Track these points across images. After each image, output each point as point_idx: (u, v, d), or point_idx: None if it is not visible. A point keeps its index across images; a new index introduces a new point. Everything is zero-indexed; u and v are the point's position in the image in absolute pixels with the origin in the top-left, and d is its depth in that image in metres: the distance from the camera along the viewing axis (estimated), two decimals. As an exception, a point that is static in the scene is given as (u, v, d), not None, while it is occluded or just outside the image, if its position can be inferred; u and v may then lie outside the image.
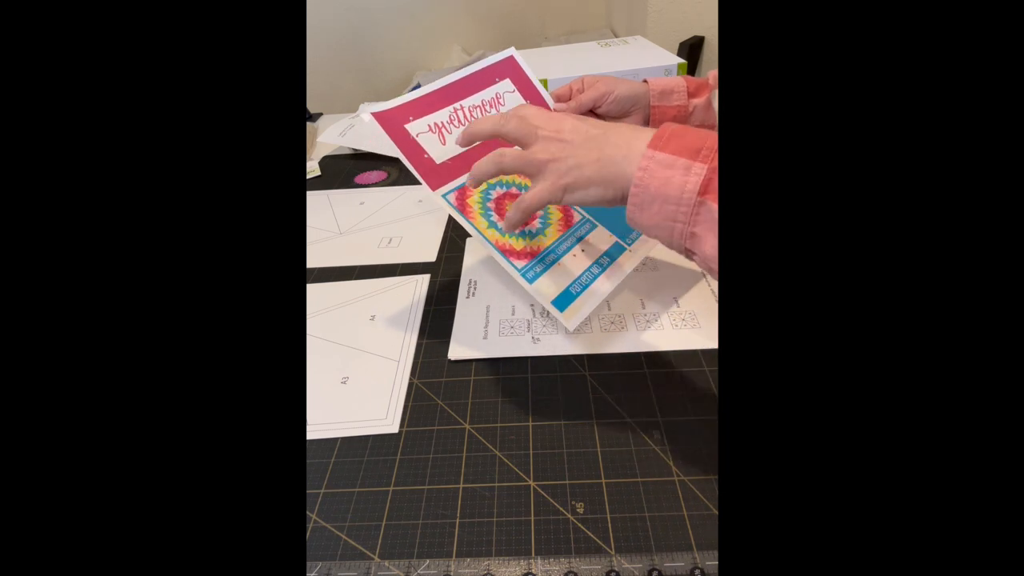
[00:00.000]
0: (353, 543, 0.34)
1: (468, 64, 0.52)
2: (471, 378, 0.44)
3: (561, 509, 0.34)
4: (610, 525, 0.33)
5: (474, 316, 0.50)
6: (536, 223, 0.46)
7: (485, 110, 0.50)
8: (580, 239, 0.45)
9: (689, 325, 0.47)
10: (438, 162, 0.46)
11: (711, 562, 0.31)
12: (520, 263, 0.43)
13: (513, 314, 0.50)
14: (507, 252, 0.44)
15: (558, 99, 0.55)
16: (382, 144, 0.84)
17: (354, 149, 0.87)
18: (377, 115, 0.45)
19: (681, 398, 0.41)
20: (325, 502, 0.36)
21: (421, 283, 0.56)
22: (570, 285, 0.43)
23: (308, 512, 0.36)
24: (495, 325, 0.49)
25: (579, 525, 0.33)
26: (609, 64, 0.83)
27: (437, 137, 0.47)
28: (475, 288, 0.54)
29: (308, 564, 0.33)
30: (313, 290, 0.56)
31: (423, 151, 0.45)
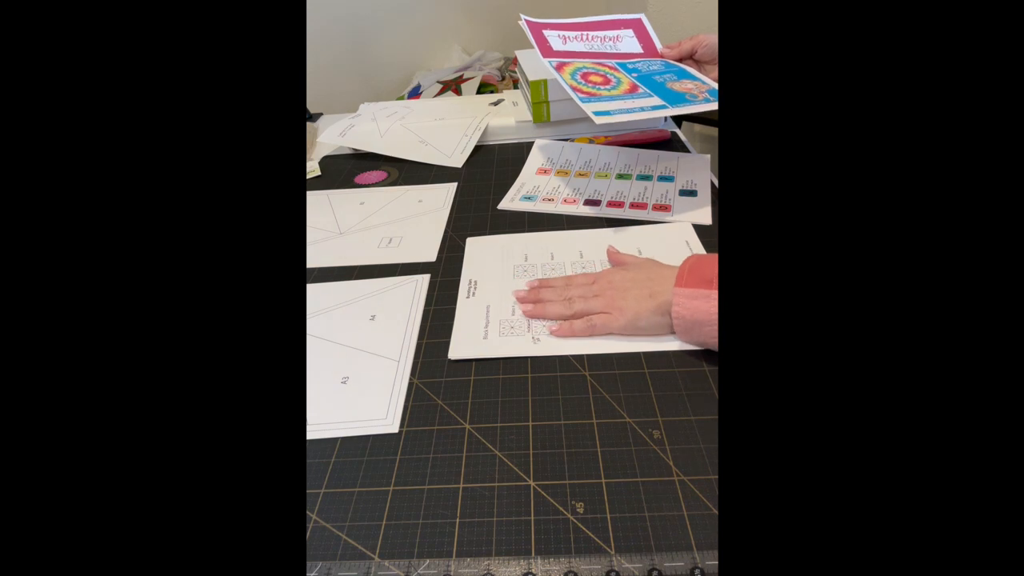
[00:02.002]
0: (353, 543, 0.34)
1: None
2: (471, 378, 0.44)
3: (561, 509, 0.34)
4: (610, 525, 0.33)
5: (474, 316, 0.50)
6: (610, 85, 0.62)
7: (603, 40, 0.71)
8: (634, 98, 0.61)
9: (689, 325, 0.47)
10: (554, 49, 0.68)
11: (711, 562, 0.31)
12: (582, 95, 0.60)
13: (513, 314, 0.50)
14: (577, 90, 0.60)
15: (667, 47, 0.71)
16: (382, 144, 0.85)
17: (354, 149, 0.87)
18: (528, 21, 0.68)
19: (681, 398, 0.41)
20: (325, 502, 0.36)
21: (421, 283, 0.56)
22: (611, 110, 0.58)
23: (308, 512, 0.36)
24: (495, 325, 0.49)
25: (579, 525, 0.33)
26: (609, 64, 0.84)
27: (560, 40, 0.69)
28: (475, 288, 0.54)
29: (308, 564, 0.33)
30: (313, 290, 0.56)
31: (547, 42, 0.68)
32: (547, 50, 0.66)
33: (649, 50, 0.72)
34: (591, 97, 0.59)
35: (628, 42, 0.72)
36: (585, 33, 0.70)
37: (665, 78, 0.65)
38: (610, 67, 0.66)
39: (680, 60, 0.70)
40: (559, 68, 0.63)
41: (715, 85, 0.64)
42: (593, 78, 0.63)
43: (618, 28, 0.72)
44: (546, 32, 0.68)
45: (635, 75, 0.65)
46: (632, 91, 0.61)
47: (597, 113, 0.56)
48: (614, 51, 0.70)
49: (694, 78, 0.65)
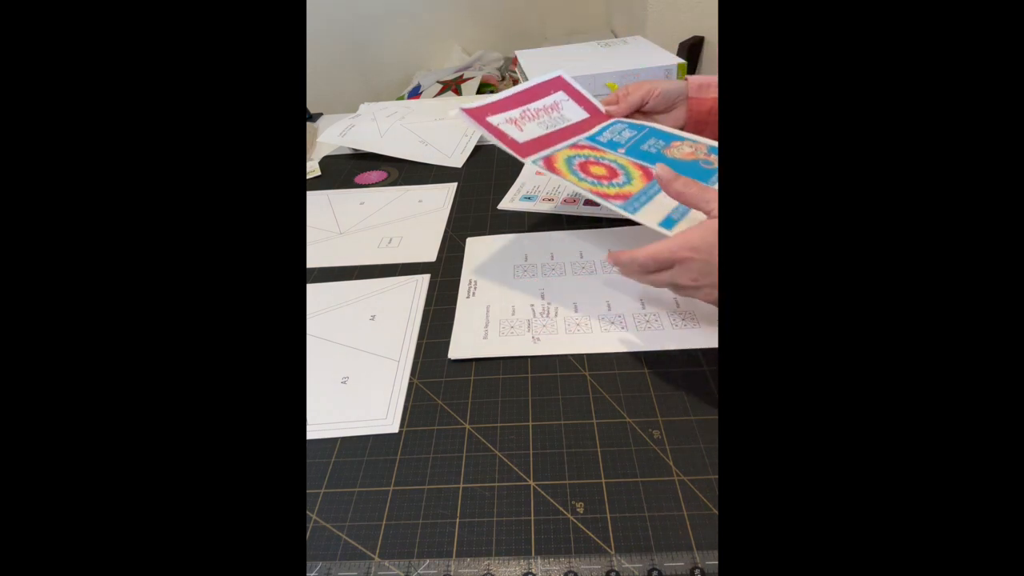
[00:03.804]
0: (353, 543, 0.34)
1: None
2: (471, 378, 0.44)
3: (561, 509, 0.34)
4: (610, 525, 0.33)
5: (474, 316, 0.50)
6: (620, 177, 0.52)
7: (548, 112, 0.61)
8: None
9: (689, 325, 0.47)
10: (520, 142, 0.56)
11: (711, 562, 0.31)
12: (619, 202, 0.49)
13: (513, 314, 0.50)
14: (603, 196, 0.50)
15: (608, 104, 0.63)
16: (382, 144, 0.85)
17: (354, 149, 0.87)
18: (466, 110, 0.56)
19: (681, 398, 0.41)
20: (325, 502, 0.36)
21: (421, 283, 0.56)
22: (670, 213, 0.48)
23: (308, 512, 0.36)
24: (495, 325, 0.49)
25: (579, 525, 0.33)
26: (609, 64, 0.83)
27: (515, 127, 0.57)
28: (475, 288, 0.54)
29: (308, 564, 0.33)
30: (313, 290, 0.56)
31: (506, 135, 0.56)
32: (514, 145, 0.54)
33: (592, 111, 0.62)
34: (626, 201, 0.49)
35: (569, 107, 0.62)
36: (527, 109, 0.59)
37: (652, 146, 0.56)
38: (592, 148, 0.56)
39: (630, 115, 0.62)
40: (551, 168, 0.52)
41: (707, 141, 0.56)
42: (595, 169, 0.53)
43: (549, 93, 0.62)
44: (491, 119, 0.57)
45: (621, 151, 0.56)
46: (648, 176, 0.52)
47: (664, 225, 0.46)
48: (568, 123, 0.60)
49: (680, 138, 0.57)
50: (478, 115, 0.56)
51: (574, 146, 0.56)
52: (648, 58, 0.85)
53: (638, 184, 0.51)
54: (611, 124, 0.61)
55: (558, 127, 0.59)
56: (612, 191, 0.50)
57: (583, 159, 0.55)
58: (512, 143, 0.55)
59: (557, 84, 0.64)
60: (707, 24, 1.32)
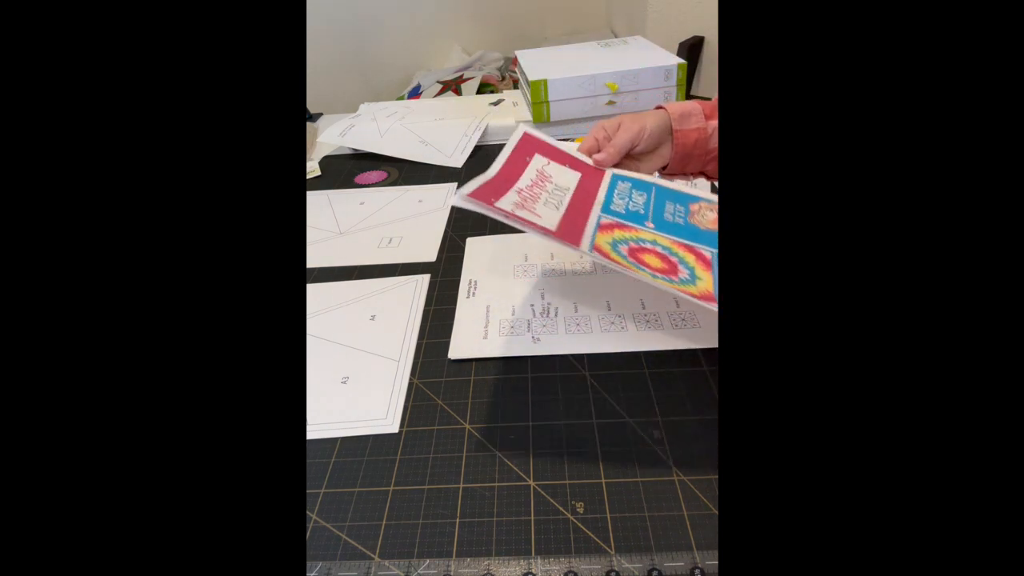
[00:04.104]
0: (353, 543, 0.34)
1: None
2: (471, 378, 0.44)
3: (561, 509, 0.34)
4: (610, 525, 0.33)
5: (474, 316, 0.50)
6: (683, 270, 0.44)
7: (540, 185, 0.49)
8: None
9: (689, 325, 0.47)
10: (553, 228, 0.44)
11: (711, 562, 0.31)
12: (712, 304, 0.40)
13: (513, 314, 0.50)
14: (689, 295, 0.41)
15: (588, 152, 0.53)
16: (382, 144, 0.85)
17: (354, 149, 0.87)
18: (471, 195, 0.42)
19: (681, 398, 0.41)
20: (325, 502, 0.36)
21: (421, 283, 0.56)
22: None
23: (308, 512, 0.36)
24: (495, 325, 0.49)
25: (579, 525, 0.33)
26: (609, 64, 0.83)
27: (528, 213, 0.45)
28: (475, 288, 0.54)
29: (308, 564, 0.33)
30: (313, 290, 0.56)
31: (535, 223, 0.43)
32: (548, 232, 0.43)
33: (580, 167, 0.53)
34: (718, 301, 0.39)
35: (556, 171, 0.52)
36: (520, 190, 0.48)
37: (675, 214, 0.49)
38: (620, 226, 0.47)
39: (618, 164, 0.54)
40: (605, 255, 0.42)
41: (709, 196, 0.51)
42: (649, 260, 0.44)
43: (527, 161, 0.51)
44: (500, 204, 0.44)
45: (650, 225, 0.48)
46: (707, 264, 0.45)
47: None
48: (569, 193, 0.50)
49: (694, 199, 0.51)
50: (484, 195, 0.44)
51: (601, 228, 0.47)
52: (648, 58, 0.85)
53: (704, 274, 0.43)
54: (613, 184, 0.52)
55: (565, 202, 0.49)
56: (693, 289, 0.42)
57: (626, 244, 0.45)
58: (546, 231, 0.43)
59: (529, 146, 0.53)
60: (707, 24, 1.32)
